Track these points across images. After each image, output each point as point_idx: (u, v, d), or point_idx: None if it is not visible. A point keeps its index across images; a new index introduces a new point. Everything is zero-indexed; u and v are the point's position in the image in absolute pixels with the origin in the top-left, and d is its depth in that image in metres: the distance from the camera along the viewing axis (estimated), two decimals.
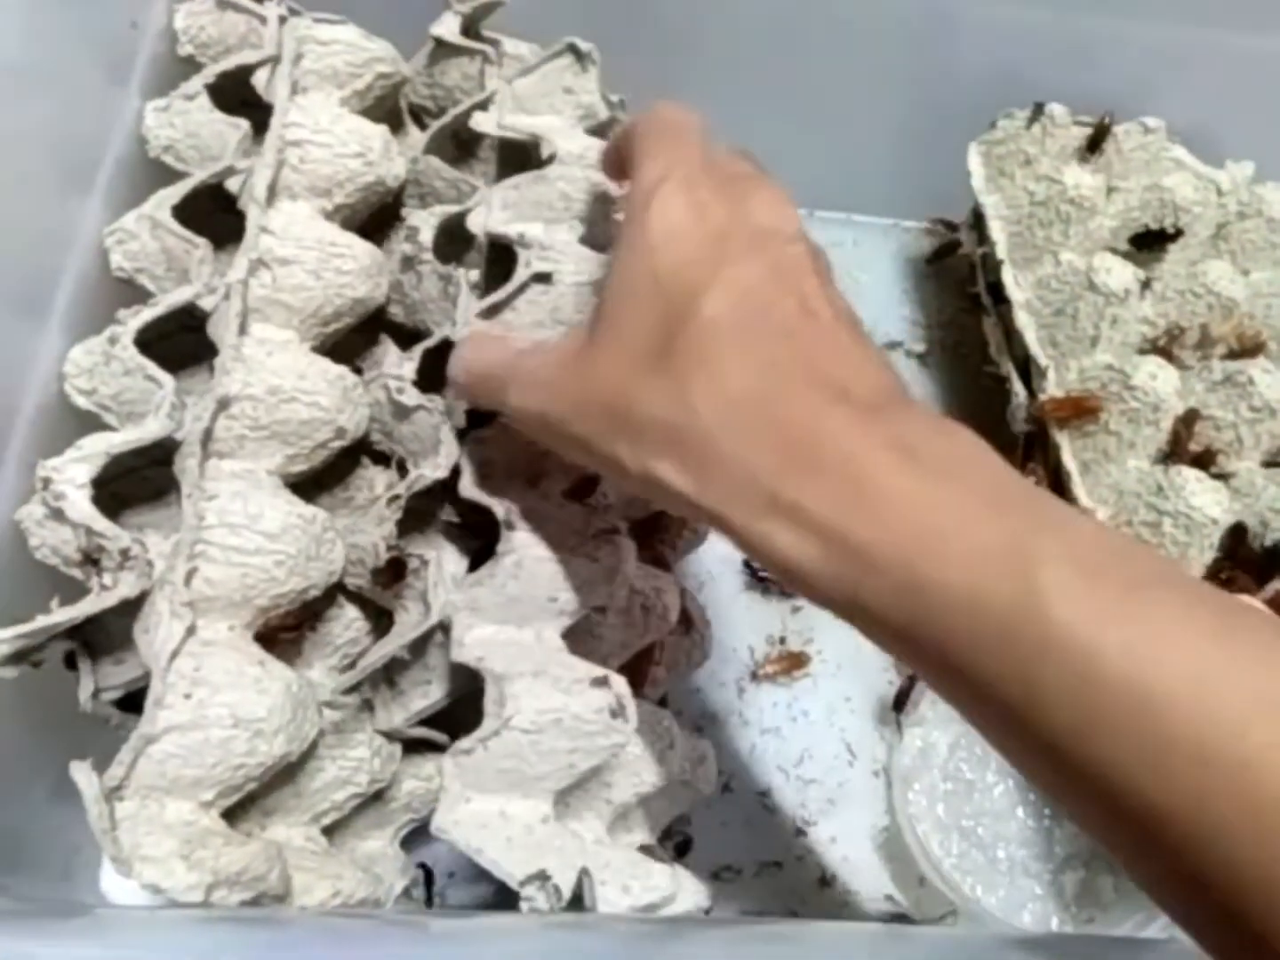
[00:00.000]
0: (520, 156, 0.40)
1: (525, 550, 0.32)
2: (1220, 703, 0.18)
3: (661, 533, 0.38)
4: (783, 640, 0.45)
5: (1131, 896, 0.40)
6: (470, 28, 0.40)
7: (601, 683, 0.31)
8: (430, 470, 0.31)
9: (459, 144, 0.40)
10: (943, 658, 0.21)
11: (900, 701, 0.43)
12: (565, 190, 0.38)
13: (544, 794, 0.30)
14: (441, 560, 0.32)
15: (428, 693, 0.32)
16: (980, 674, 0.21)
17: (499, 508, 0.32)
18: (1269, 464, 0.40)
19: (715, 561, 0.46)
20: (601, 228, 0.39)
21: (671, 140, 0.27)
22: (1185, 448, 0.40)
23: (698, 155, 0.26)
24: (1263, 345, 0.42)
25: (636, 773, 0.33)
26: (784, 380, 0.23)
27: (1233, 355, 0.42)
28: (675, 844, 0.37)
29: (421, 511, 0.34)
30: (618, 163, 0.30)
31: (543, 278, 0.36)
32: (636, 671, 0.38)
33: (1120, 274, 0.41)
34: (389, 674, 0.32)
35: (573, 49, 0.41)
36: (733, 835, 0.41)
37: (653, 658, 0.38)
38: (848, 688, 0.44)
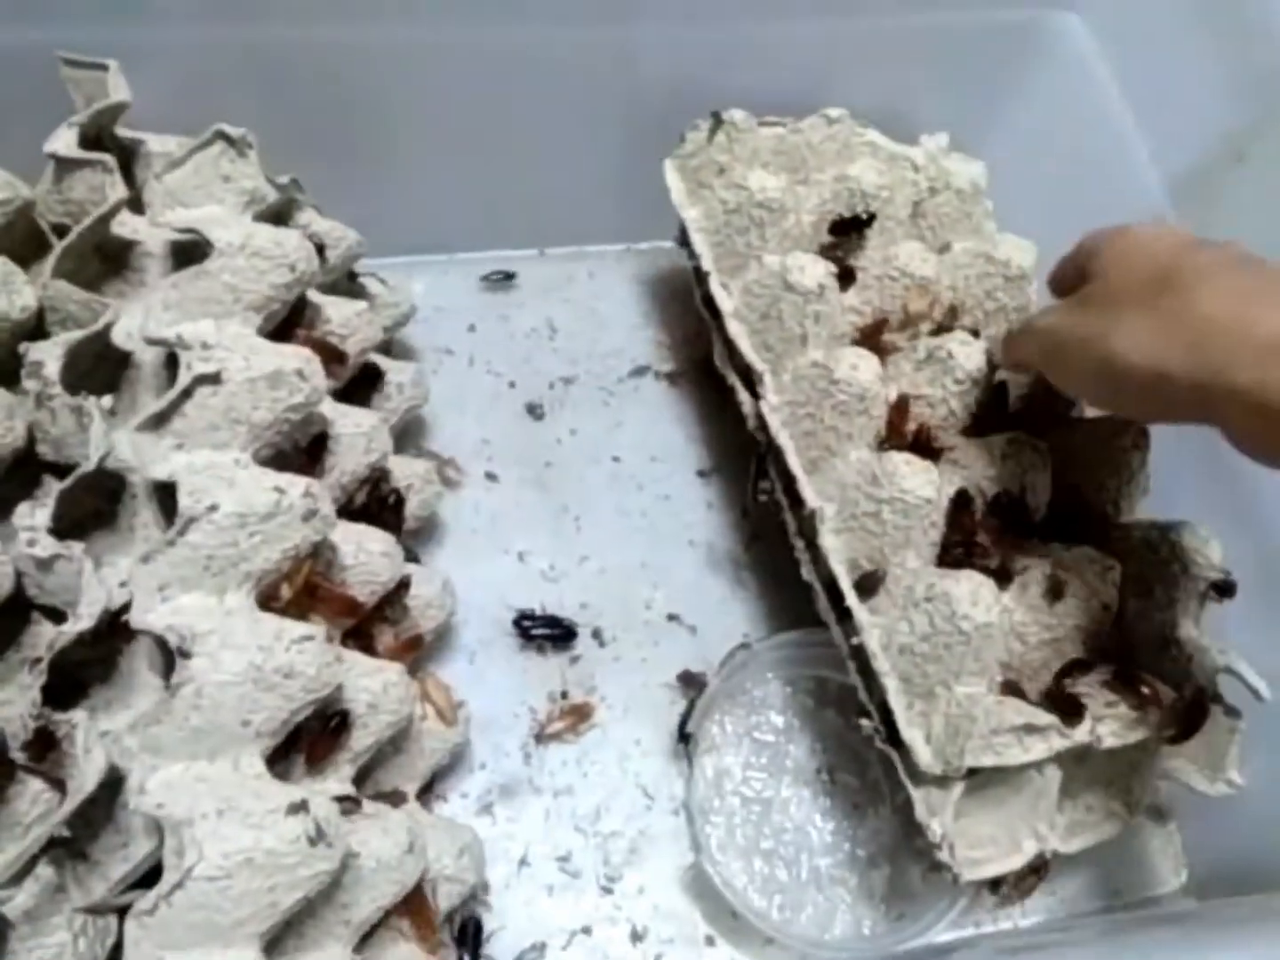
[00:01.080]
0: (189, 254, 0.38)
1: (205, 677, 0.30)
2: None
3: (376, 623, 0.37)
4: (564, 694, 0.44)
5: (937, 884, 0.40)
6: (99, 135, 0.39)
7: (298, 809, 0.29)
8: (72, 623, 0.29)
9: (105, 258, 0.38)
10: None
11: (684, 732, 0.42)
12: (231, 282, 0.36)
13: (248, 939, 0.28)
14: (110, 710, 0.30)
15: (128, 855, 0.30)
16: None
17: (172, 636, 0.30)
18: (970, 432, 0.40)
19: (484, 629, 0.44)
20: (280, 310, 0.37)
21: None
22: (902, 431, 0.40)
23: None
24: (957, 316, 0.43)
25: (374, 885, 0.31)
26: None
27: (938, 331, 0.43)
28: (459, 938, 0.36)
29: (101, 657, 0.32)
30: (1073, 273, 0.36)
31: (209, 379, 0.34)
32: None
33: (813, 270, 0.41)
34: (75, 847, 0.30)
35: (223, 135, 0.39)
36: (536, 910, 0.39)
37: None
38: (636, 730, 0.43)
